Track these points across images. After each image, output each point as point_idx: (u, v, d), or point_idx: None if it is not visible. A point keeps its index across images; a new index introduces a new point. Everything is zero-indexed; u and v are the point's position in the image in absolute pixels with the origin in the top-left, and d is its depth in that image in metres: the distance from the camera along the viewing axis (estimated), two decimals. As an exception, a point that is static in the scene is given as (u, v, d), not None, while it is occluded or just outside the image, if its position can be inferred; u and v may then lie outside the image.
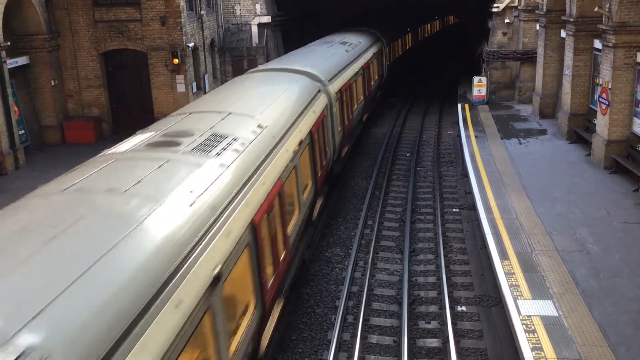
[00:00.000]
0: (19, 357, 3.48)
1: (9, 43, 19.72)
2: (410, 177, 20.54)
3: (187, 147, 7.47)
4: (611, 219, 14.13)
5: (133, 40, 22.88)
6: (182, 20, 22.85)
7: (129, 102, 23.77)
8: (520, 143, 21.21)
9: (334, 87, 15.51)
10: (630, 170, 16.58)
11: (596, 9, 17.45)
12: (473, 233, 15.61)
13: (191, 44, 23.69)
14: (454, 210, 17.50)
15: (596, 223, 13.90)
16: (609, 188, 16.26)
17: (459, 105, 27.48)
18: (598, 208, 14.87)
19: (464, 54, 43.10)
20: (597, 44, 19.26)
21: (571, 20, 20.25)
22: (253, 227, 7.29)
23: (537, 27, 25.38)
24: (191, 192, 6.27)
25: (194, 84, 24.23)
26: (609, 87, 17.27)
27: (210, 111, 9.31)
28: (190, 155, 7.26)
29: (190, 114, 9.36)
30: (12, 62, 20.50)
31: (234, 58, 28.29)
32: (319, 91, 14.07)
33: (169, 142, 7.67)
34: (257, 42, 28.28)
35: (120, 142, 8.36)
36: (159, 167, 6.63)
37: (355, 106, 19.46)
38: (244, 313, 7.06)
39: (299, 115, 10.98)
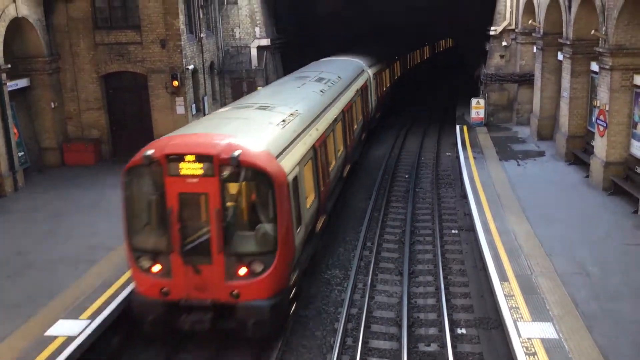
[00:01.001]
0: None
1: (9, 65, 19.82)
2: (409, 198, 20.60)
3: (276, 107, 13.77)
4: (611, 240, 14.12)
5: (133, 62, 22.99)
6: (182, 43, 22.96)
7: (129, 124, 23.75)
8: (519, 165, 21.29)
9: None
10: (629, 192, 16.58)
11: (593, 31, 17.62)
12: (472, 255, 15.55)
13: (191, 67, 23.80)
14: (453, 231, 17.46)
15: (596, 245, 13.88)
16: (608, 210, 16.28)
17: (458, 127, 27.69)
18: (598, 230, 14.86)
19: (461, 76, 43.11)
20: (594, 66, 19.37)
21: (568, 43, 20.41)
22: (314, 148, 13.50)
23: (535, 50, 25.60)
24: (283, 120, 12.75)
25: (194, 105, 24.30)
26: (607, 109, 17.38)
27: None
28: (279, 109, 13.57)
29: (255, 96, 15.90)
30: (12, 85, 20.57)
31: (233, 80, 28.42)
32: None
33: (264, 106, 13.71)
34: (257, 64, 28.44)
35: (226, 106, 14.54)
36: (264, 111, 13.32)
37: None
38: (310, 195, 12.88)
39: None
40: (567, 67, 20.96)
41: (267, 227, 10.57)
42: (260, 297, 10.55)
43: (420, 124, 33.78)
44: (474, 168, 20.76)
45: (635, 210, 15.76)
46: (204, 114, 25.33)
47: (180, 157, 10.47)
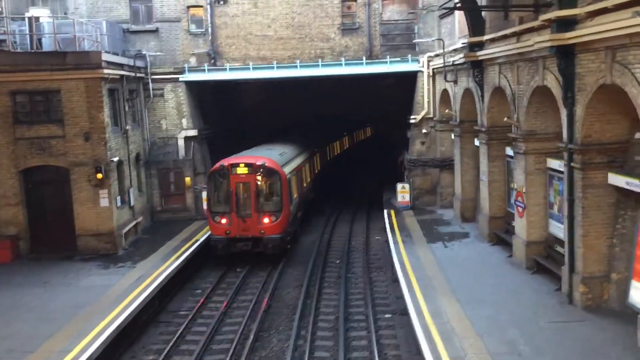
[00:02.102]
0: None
1: None
2: (341, 284, 20.50)
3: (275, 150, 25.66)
4: (538, 319, 14.23)
5: (55, 156, 22.38)
6: (107, 135, 22.65)
7: (49, 219, 22.80)
8: (446, 247, 21.58)
9: None
10: (551, 270, 16.80)
11: (505, 119, 18.25)
12: (407, 339, 15.47)
13: (115, 159, 23.44)
14: (387, 316, 17.37)
15: (524, 324, 13.98)
16: (533, 288, 16.48)
17: (385, 212, 28.08)
18: (525, 308, 15.00)
19: (385, 163, 43.53)
20: (509, 151, 19.89)
21: (483, 129, 21.03)
22: (298, 170, 26.33)
23: (453, 137, 26.33)
24: (280, 154, 25.83)
25: (119, 198, 23.79)
26: (524, 191, 17.84)
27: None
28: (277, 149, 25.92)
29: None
30: None
31: (160, 170, 28.04)
32: None
33: (269, 148, 26.55)
34: (184, 154, 28.28)
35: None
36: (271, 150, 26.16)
37: None
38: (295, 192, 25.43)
39: None
40: (484, 152, 21.49)
41: (277, 198, 23.34)
42: (275, 233, 22.95)
43: (348, 211, 34.08)
44: (403, 251, 20.92)
45: (558, 287, 15.95)
46: (130, 207, 25.02)
47: (237, 165, 23.20)
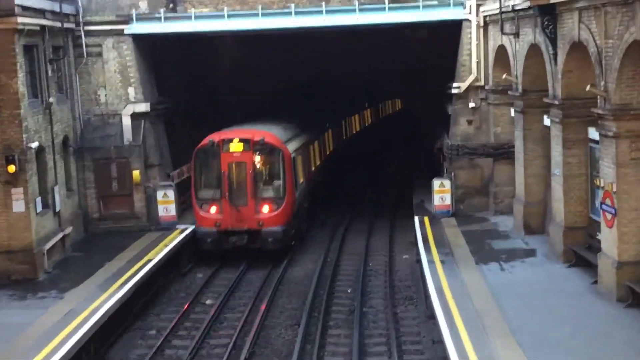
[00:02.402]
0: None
1: None
2: (354, 323, 20.52)
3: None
4: (637, 373, 14.37)
5: (-54, 141, 22.40)
6: (22, 111, 22.61)
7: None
8: (503, 269, 21.76)
9: None
10: None
11: (588, 87, 18.32)
12: (448, 401, 15.59)
13: (35, 144, 23.44)
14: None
15: (617, 380, 14.06)
16: (627, 326, 16.44)
17: (416, 219, 28.31)
18: (615, 355, 15.01)
19: (417, 148, 44.88)
20: (594, 133, 20.04)
21: (556, 103, 21.15)
22: (305, 149, 30.93)
23: (513, 113, 26.48)
24: (282, 129, 29.61)
25: (39, 200, 23.81)
26: (614, 190, 17.82)
27: None
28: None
29: None
30: None
31: (98, 161, 28.06)
32: None
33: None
34: (131, 138, 28.32)
35: None
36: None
37: None
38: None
39: None
40: (557, 135, 21.66)
41: (279, 182, 26.57)
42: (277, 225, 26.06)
43: (364, 217, 34.35)
44: (442, 276, 20.99)
45: (664, 327, 16.03)
46: (55, 213, 25.08)
47: (230, 140, 26.12)
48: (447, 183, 28.91)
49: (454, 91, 29.26)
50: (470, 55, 28.87)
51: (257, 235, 25.58)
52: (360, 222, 33.54)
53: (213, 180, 25.97)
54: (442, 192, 28.90)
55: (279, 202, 25.61)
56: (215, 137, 25.91)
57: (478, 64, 28.84)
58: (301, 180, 28.28)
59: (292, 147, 27.03)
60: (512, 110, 26.45)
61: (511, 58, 25.69)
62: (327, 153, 36.33)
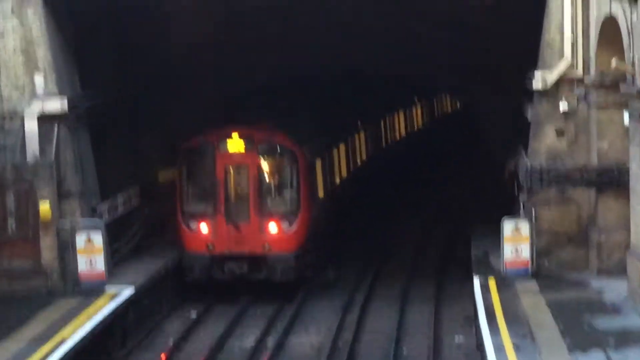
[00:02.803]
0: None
1: None
2: None
3: None
4: None
5: None
6: None
7: None
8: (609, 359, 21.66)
9: None
10: None
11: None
12: None
13: None
14: None
15: None
16: None
17: (477, 281, 28.70)
18: None
19: (478, 168, 46.07)
20: None
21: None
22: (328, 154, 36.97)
23: (627, 120, 26.52)
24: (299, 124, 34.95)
25: None
26: None
27: None
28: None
29: None
30: None
31: (-15, 188, 27.88)
32: None
33: None
34: (37, 153, 28.28)
35: None
36: None
37: None
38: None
39: None
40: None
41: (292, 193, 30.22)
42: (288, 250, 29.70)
43: (397, 272, 34.83)
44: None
45: None
46: None
47: (228, 136, 29.74)
48: (525, 226, 29.07)
49: (535, 86, 29.38)
50: (561, 30, 29.08)
51: (263, 262, 28.43)
52: (391, 281, 34.02)
53: (205, 191, 28.78)
54: (516, 241, 29.10)
55: (292, 218, 28.03)
56: (208, 134, 28.42)
57: (573, 44, 29.04)
58: (321, 194, 30.28)
59: (311, 149, 29.04)
60: (626, 116, 26.48)
61: (625, 35, 25.56)
62: (357, 163, 38.78)
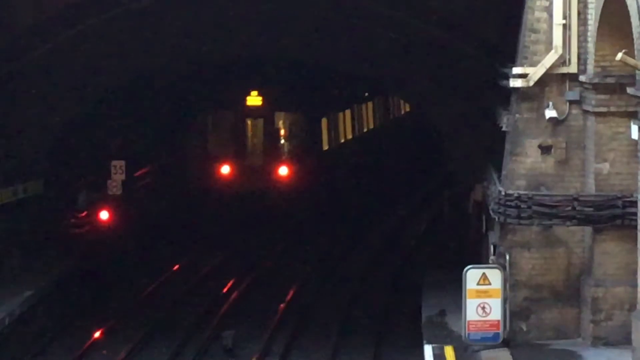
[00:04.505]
0: None
1: None
2: None
3: None
4: None
5: None
6: None
7: None
8: None
9: None
10: None
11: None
12: None
13: None
14: None
15: None
16: None
17: (428, 351, 27.85)
18: None
19: (435, 196, 47.93)
20: None
21: None
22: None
23: (634, 133, 24.15)
24: None
25: None
26: None
27: None
28: None
29: None
30: None
31: None
32: None
33: None
34: None
35: None
36: None
37: None
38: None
39: None
40: None
41: None
42: None
43: (320, 339, 34.31)
44: None
45: None
46: None
47: None
48: (496, 276, 26.69)
49: (513, 84, 27.40)
50: (549, 10, 27.17)
51: None
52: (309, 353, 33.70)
53: None
54: (483, 296, 26.76)
55: None
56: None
57: (566, 29, 26.92)
58: None
59: None
60: (635, 128, 23.96)
61: (636, 19, 22.85)
62: None
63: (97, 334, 35.56)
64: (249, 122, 39.84)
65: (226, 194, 45.96)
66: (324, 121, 43.73)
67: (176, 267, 44.63)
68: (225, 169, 47.28)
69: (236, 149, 45.60)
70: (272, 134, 41.03)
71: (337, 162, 57.51)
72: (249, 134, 43.71)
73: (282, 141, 39.61)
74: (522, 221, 26.93)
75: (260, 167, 42.76)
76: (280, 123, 39.98)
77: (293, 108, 39.12)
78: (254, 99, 34.98)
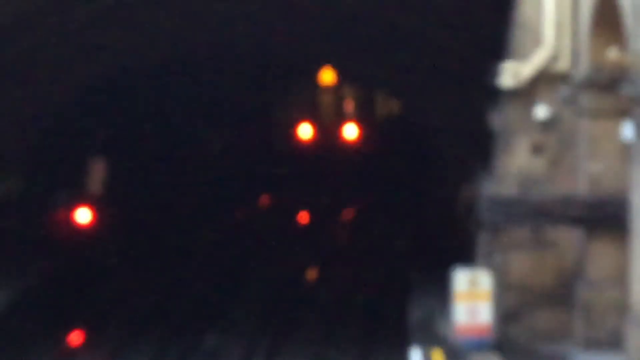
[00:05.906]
0: None
1: None
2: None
3: None
4: None
5: None
6: None
7: None
8: None
9: None
10: None
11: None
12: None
13: None
14: None
15: None
16: None
17: (416, 354, 28.67)
18: None
19: (422, 198, 48.17)
20: None
21: None
22: None
23: (628, 132, 24.00)
24: None
25: None
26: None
27: None
28: None
29: None
30: None
31: None
32: None
33: None
34: None
35: None
36: None
37: None
38: None
39: None
40: None
41: None
42: None
43: (305, 341, 34.73)
44: None
45: None
46: None
47: None
48: (485, 279, 27.55)
49: (503, 82, 27.65)
50: (540, 8, 27.84)
51: None
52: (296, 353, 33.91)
53: None
54: (472, 298, 27.52)
55: None
56: None
57: (558, 25, 27.59)
58: None
59: None
60: (628, 128, 23.91)
61: (630, 15, 23.05)
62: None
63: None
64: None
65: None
66: None
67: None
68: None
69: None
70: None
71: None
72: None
73: None
74: (512, 223, 27.58)
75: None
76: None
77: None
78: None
